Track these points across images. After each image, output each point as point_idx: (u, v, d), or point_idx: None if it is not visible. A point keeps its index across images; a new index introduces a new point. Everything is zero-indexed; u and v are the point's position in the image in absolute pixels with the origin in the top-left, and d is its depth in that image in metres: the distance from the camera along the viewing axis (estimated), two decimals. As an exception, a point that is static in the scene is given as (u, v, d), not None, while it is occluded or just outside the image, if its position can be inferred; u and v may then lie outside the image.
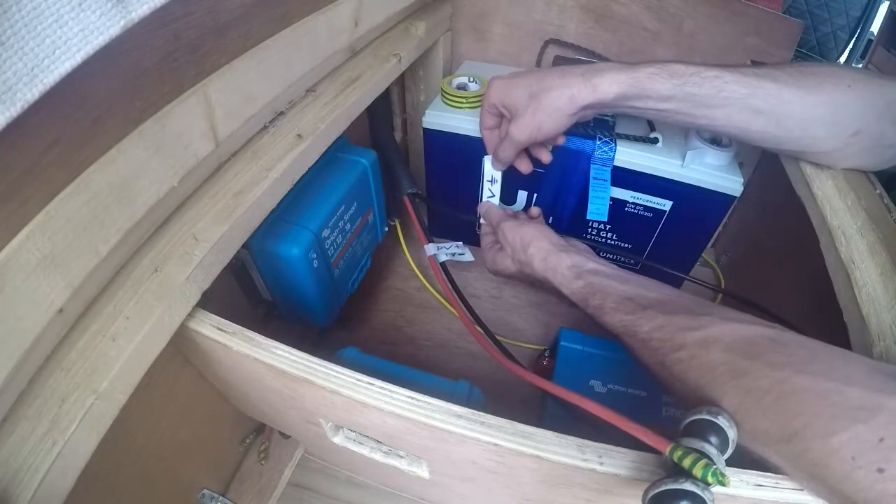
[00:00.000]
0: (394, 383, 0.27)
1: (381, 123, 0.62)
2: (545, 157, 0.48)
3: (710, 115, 0.39)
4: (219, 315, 0.30)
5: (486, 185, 0.52)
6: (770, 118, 0.38)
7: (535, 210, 0.52)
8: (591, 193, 0.52)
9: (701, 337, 0.28)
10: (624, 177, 0.53)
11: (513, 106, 0.43)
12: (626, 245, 0.61)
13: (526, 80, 0.42)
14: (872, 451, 0.20)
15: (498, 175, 0.51)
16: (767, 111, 0.38)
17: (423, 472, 0.35)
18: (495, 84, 0.44)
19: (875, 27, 1.13)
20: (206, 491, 0.45)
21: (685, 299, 0.33)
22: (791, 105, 0.37)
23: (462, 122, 0.55)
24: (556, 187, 0.57)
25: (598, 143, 0.51)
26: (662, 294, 0.34)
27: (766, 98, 0.37)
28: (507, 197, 0.60)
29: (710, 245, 0.72)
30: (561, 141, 0.49)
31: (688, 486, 0.20)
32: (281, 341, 0.28)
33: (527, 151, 0.49)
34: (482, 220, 0.53)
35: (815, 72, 0.38)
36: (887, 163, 0.41)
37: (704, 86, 0.38)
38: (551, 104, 0.40)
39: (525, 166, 0.50)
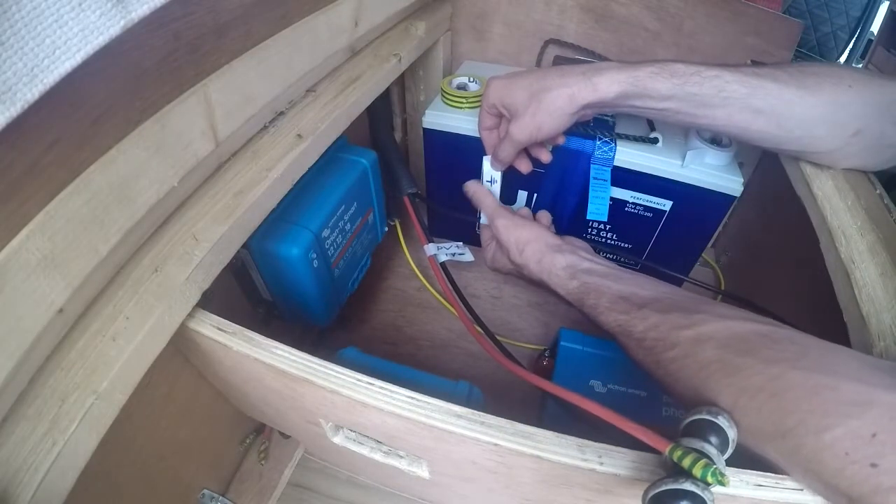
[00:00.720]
0: (394, 383, 0.27)
1: (381, 123, 0.62)
2: (545, 156, 0.48)
3: (711, 114, 0.39)
4: (219, 315, 0.30)
5: (486, 186, 0.52)
6: (771, 118, 0.38)
7: (543, 215, 0.51)
8: (591, 193, 0.52)
9: (694, 335, 0.28)
10: (624, 177, 0.53)
11: (512, 106, 0.43)
12: (627, 245, 0.61)
13: (525, 79, 0.42)
14: (865, 446, 0.20)
15: (497, 175, 0.51)
16: (768, 111, 0.38)
17: (423, 472, 0.35)
18: (494, 84, 0.44)
19: (875, 27, 1.13)
20: (206, 491, 0.45)
21: (679, 297, 0.33)
22: (792, 105, 0.37)
23: (462, 122, 0.55)
24: (556, 187, 0.57)
25: (598, 143, 0.51)
26: (657, 292, 0.34)
27: (767, 98, 0.37)
28: (507, 197, 0.60)
29: (710, 245, 0.72)
30: (561, 140, 0.49)
31: (688, 486, 0.20)
32: (281, 341, 0.28)
33: (526, 151, 0.49)
34: (480, 216, 0.53)
35: (816, 72, 0.38)
36: (888, 162, 0.41)
37: (705, 85, 0.38)
38: (552, 104, 0.40)
39: (525, 166, 0.49)
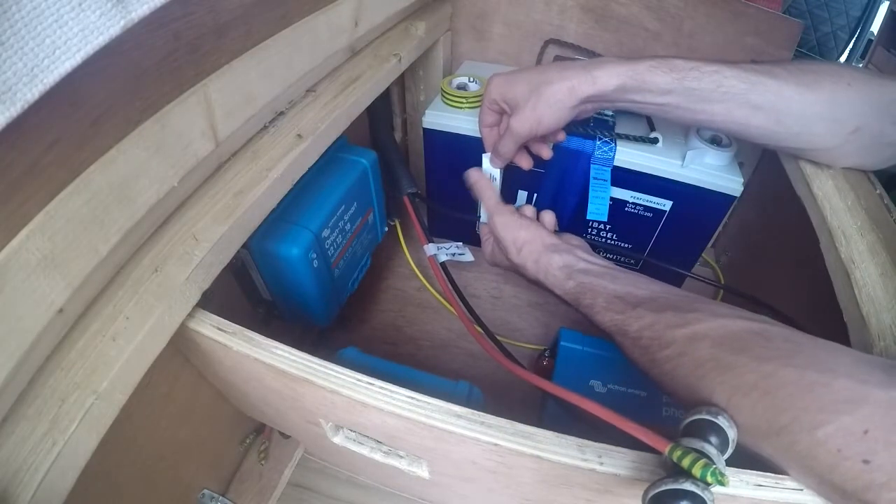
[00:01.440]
0: (394, 383, 0.27)
1: (381, 123, 0.62)
2: (546, 153, 0.48)
3: (710, 110, 0.39)
4: (219, 315, 0.30)
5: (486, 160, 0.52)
6: (770, 114, 0.38)
7: (548, 216, 0.48)
8: (591, 193, 0.52)
9: (689, 333, 0.28)
10: (624, 177, 0.53)
11: (514, 100, 0.43)
12: (627, 245, 0.61)
13: (527, 74, 0.42)
14: (858, 442, 0.20)
15: (497, 174, 0.51)
16: (767, 107, 0.38)
17: (423, 472, 0.35)
18: (496, 80, 0.44)
19: (875, 27, 1.13)
20: (206, 491, 0.45)
21: (674, 295, 0.33)
22: (790, 101, 0.38)
23: (462, 122, 0.55)
24: (556, 187, 0.57)
25: (598, 143, 0.51)
26: (652, 291, 0.34)
27: (766, 94, 0.37)
28: (508, 197, 0.59)
29: (710, 245, 0.72)
30: (562, 137, 0.49)
31: (688, 485, 0.20)
32: (281, 341, 0.28)
33: (526, 148, 0.49)
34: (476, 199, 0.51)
35: (815, 69, 0.38)
36: (887, 161, 0.41)
37: (704, 80, 0.38)
38: (552, 96, 0.40)
39: (526, 162, 0.49)
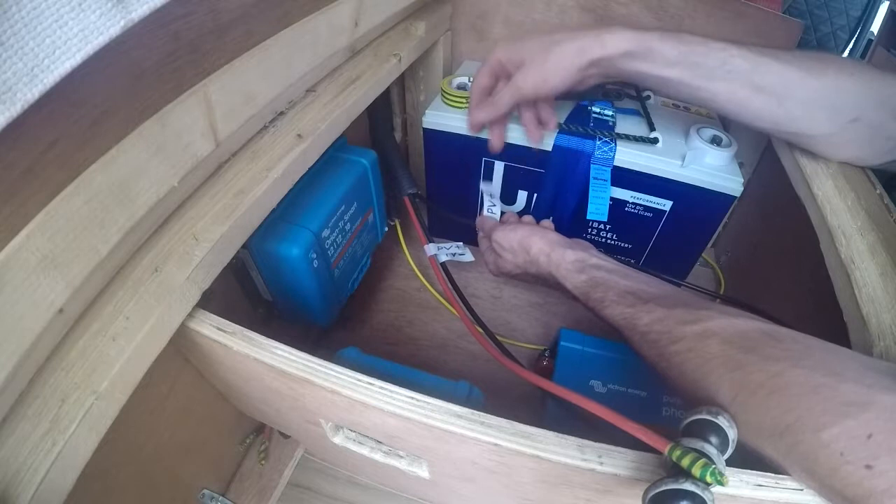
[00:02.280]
0: (394, 383, 0.27)
1: (381, 123, 0.62)
2: (552, 123, 0.48)
3: (713, 87, 0.39)
4: (219, 315, 0.30)
5: (487, 199, 0.52)
6: (771, 96, 0.39)
7: (527, 218, 0.52)
8: (591, 193, 0.52)
9: (699, 330, 0.28)
10: (624, 177, 0.53)
11: (520, 59, 0.43)
12: (627, 245, 0.61)
13: (536, 36, 0.42)
14: (861, 447, 0.20)
15: (497, 190, 0.51)
16: (769, 89, 0.38)
17: (423, 472, 0.35)
18: (502, 43, 0.44)
19: (875, 27, 1.13)
20: (206, 491, 0.45)
21: (684, 295, 0.33)
22: (793, 85, 0.38)
23: (462, 122, 0.54)
24: (556, 187, 0.57)
25: (598, 143, 0.51)
26: (662, 290, 0.34)
27: (769, 75, 0.38)
28: (508, 197, 0.60)
29: (710, 245, 0.72)
30: (553, 126, 0.49)
31: (688, 485, 0.20)
32: (281, 341, 0.28)
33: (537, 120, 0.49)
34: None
35: (820, 57, 0.38)
36: (885, 156, 0.41)
37: (710, 56, 0.38)
38: (561, 54, 0.40)
39: (536, 134, 0.49)
